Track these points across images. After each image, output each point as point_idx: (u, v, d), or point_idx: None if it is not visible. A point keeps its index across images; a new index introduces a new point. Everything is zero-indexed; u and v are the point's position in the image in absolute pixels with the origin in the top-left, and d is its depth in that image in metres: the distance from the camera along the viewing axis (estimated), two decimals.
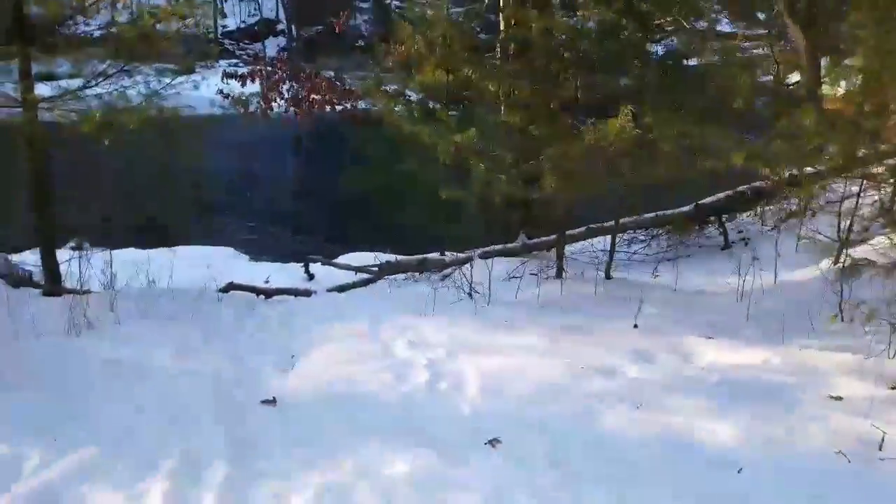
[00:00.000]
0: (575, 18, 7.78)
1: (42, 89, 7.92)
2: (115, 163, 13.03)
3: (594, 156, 6.49)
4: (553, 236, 9.48)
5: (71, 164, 11.98)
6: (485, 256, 9.07)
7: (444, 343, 5.41)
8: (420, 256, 9.44)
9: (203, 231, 15.33)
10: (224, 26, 38.24)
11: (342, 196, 15.32)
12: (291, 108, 10.79)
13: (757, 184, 9.73)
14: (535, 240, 9.25)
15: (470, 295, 7.44)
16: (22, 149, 7.94)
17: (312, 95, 10.61)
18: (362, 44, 37.39)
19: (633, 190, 7.86)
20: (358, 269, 10.05)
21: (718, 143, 6.38)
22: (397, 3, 37.83)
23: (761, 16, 11.82)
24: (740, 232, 10.14)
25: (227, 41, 35.86)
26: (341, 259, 13.56)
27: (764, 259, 8.90)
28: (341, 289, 9.03)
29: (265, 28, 38.00)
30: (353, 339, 5.81)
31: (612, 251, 7.87)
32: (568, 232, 9.51)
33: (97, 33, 9.12)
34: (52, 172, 8.80)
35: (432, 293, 7.36)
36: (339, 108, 10.71)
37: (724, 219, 9.92)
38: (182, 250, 13.07)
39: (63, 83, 8.19)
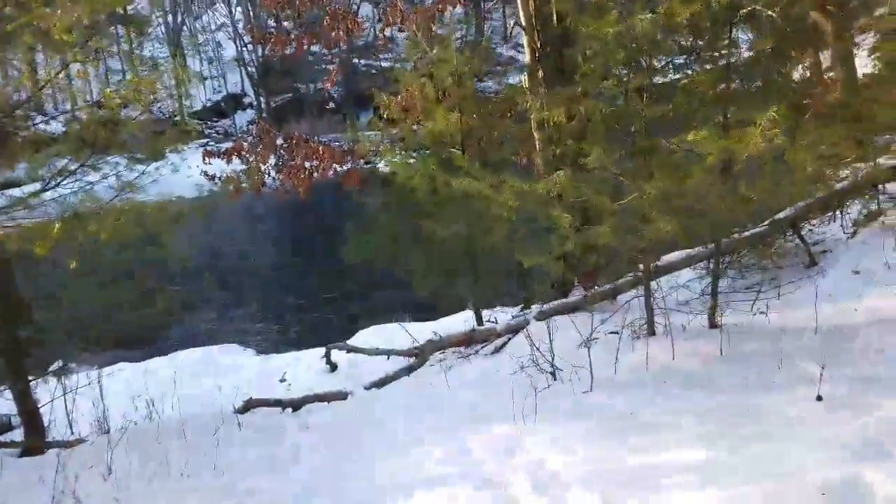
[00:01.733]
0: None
1: None
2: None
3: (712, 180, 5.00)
4: (612, 283, 7.94)
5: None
6: (540, 318, 7.49)
7: (583, 476, 3.70)
8: (466, 330, 7.81)
9: (201, 328, 13.62)
10: (188, 107, 36.95)
11: (345, 267, 13.70)
12: (286, 181, 9.23)
13: (839, 186, 8.29)
14: (598, 288, 7.67)
15: (553, 374, 5.82)
16: None
17: (307, 162, 9.06)
18: (333, 106, 36.29)
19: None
20: (392, 353, 8.41)
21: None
22: (365, 62, 36.87)
23: None
24: (815, 244, 8.65)
25: (194, 121, 34.51)
26: (361, 336, 11.90)
27: (866, 272, 7.46)
28: (381, 382, 7.37)
29: (232, 103, 36.74)
30: (449, 479, 4.11)
31: (714, 290, 6.28)
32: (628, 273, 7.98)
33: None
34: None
35: (508, 380, 5.74)
36: (340, 170, 9.18)
37: (801, 232, 8.43)
38: (182, 356, 11.32)
39: (17, 191, 6.65)
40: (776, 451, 3.49)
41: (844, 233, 8.55)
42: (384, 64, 35.61)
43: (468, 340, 7.71)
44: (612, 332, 6.62)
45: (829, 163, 7.59)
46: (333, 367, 9.57)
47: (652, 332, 6.22)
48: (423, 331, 11.37)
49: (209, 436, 6.29)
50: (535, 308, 7.80)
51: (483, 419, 5.06)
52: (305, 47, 8.92)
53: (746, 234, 7.92)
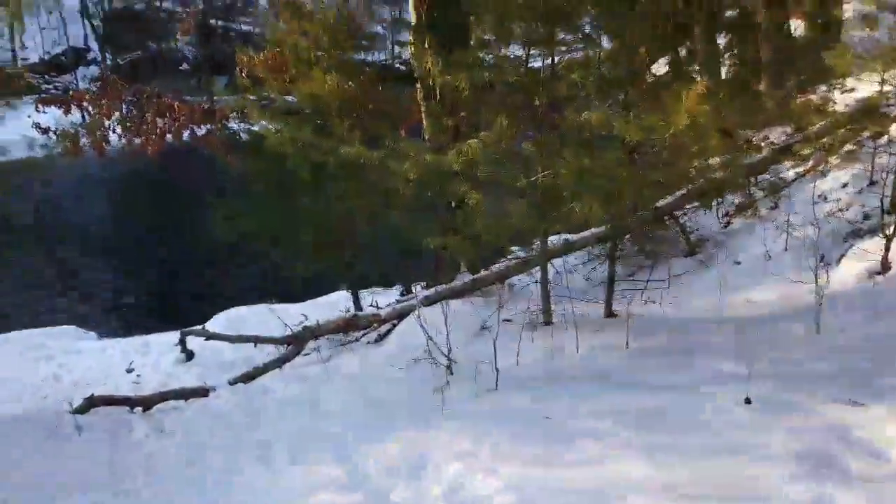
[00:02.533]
0: None
1: None
2: None
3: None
4: (501, 265, 7.43)
5: None
6: (427, 303, 6.84)
7: (506, 491, 3.11)
8: (346, 315, 6.99)
9: (32, 307, 11.72)
10: (24, 59, 32.64)
11: (203, 241, 12.29)
12: (134, 138, 7.88)
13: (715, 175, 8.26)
14: (485, 272, 7.12)
15: (450, 368, 5.19)
16: None
17: (159, 119, 7.78)
18: (187, 67, 33.44)
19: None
20: (260, 341, 7.42)
21: None
22: (222, 23, 34.25)
23: None
24: (691, 232, 8.64)
25: (28, 75, 30.45)
26: (221, 319, 10.68)
27: (748, 262, 7.46)
28: (249, 376, 6.41)
29: (74, 57, 32.80)
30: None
31: (612, 276, 5.88)
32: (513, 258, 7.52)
33: None
34: None
35: (400, 375, 5.05)
36: (200, 132, 7.96)
37: (682, 221, 8.36)
38: (11, 339, 9.62)
39: None
40: (732, 466, 3.05)
41: (719, 222, 8.59)
42: (244, 27, 33.39)
43: (348, 326, 6.90)
44: (506, 320, 6.09)
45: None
46: (190, 355, 8.38)
47: (549, 320, 5.76)
48: (293, 314, 10.35)
49: (37, 444, 5.10)
50: (420, 292, 7.14)
51: (377, 424, 4.33)
52: None
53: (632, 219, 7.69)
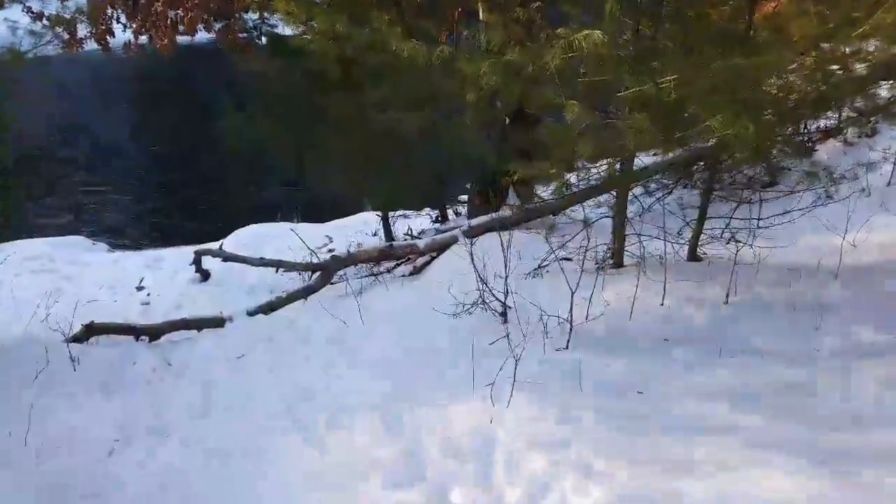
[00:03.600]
0: None
1: None
2: None
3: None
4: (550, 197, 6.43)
5: None
6: (470, 234, 5.91)
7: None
8: (380, 245, 6.09)
9: (41, 215, 10.94)
10: None
11: (221, 152, 11.28)
12: (141, 32, 6.81)
13: None
14: (538, 202, 6.14)
15: (504, 316, 4.31)
16: None
17: (170, 10, 6.69)
18: None
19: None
20: (284, 266, 6.58)
21: None
22: None
23: None
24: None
25: None
26: (239, 237, 9.86)
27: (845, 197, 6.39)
28: (271, 306, 5.58)
29: None
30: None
31: (703, 211, 4.88)
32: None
33: None
34: None
35: (444, 321, 4.19)
36: (216, 28, 6.87)
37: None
38: (11, 249, 8.86)
39: None
40: None
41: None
42: None
43: (382, 257, 6.03)
44: (565, 258, 5.17)
45: None
46: (205, 275, 7.61)
47: (620, 261, 4.82)
48: (315, 235, 9.54)
49: (26, 379, 4.36)
50: (461, 221, 6.20)
51: (426, 384, 3.50)
52: None
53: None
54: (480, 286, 4.44)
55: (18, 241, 9.23)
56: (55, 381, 4.49)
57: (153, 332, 5.24)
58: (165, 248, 10.23)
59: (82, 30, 6.36)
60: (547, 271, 5.00)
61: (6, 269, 8.00)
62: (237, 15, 6.77)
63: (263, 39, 6.86)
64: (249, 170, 12.05)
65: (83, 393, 4.31)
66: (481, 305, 4.42)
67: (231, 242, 9.67)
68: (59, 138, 13.84)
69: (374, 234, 9.59)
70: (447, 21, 7.02)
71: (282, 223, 10.41)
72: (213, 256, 7.23)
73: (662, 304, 4.14)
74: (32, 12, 6.13)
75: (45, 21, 6.08)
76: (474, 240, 5.79)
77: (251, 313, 5.46)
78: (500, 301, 4.33)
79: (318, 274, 6.01)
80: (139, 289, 7.74)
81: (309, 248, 7.55)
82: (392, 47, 4.68)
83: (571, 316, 3.83)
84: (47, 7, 6.54)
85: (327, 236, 9.80)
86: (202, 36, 12.08)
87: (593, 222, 5.14)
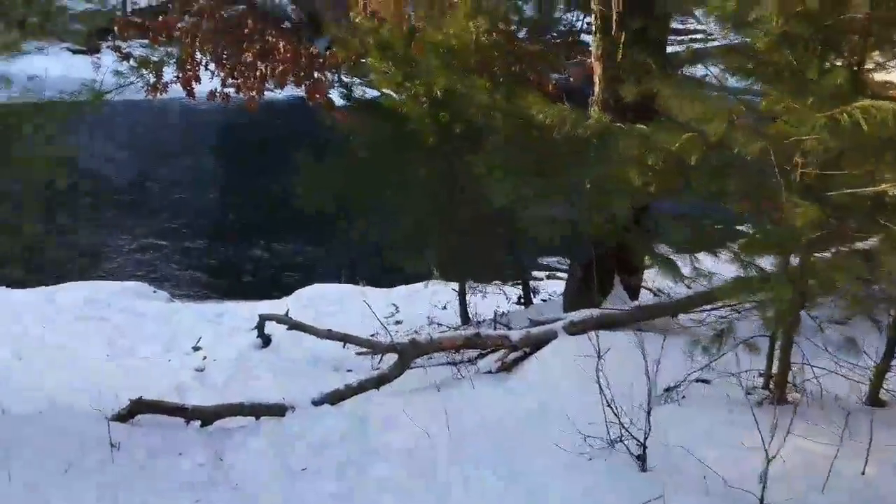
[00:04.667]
0: None
1: None
2: None
3: None
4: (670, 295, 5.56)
5: None
6: (572, 330, 5.04)
7: None
8: (467, 331, 5.27)
9: (101, 258, 10.54)
10: (134, 3, 32.10)
11: (290, 207, 10.77)
12: (228, 83, 6.33)
13: None
14: (656, 300, 5.25)
15: (643, 462, 3.39)
16: None
17: (260, 62, 6.21)
18: (289, 25, 32.25)
19: None
20: (353, 342, 5.82)
21: None
22: None
23: None
24: None
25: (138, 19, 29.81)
26: (302, 296, 9.23)
27: None
28: (338, 395, 4.78)
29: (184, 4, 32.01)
30: None
31: (891, 350, 3.88)
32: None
33: None
34: None
35: (557, 454, 3.30)
36: (305, 83, 6.35)
37: None
38: (66, 293, 8.37)
39: None
40: None
41: None
42: None
43: (467, 345, 5.20)
44: (701, 381, 4.24)
45: None
46: (267, 340, 6.92)
47: (782, 396, 3.83)
48: (379, 300, 8.81)
49: (55, 472, 3.63)
50: (552, 308, 5.36)
51: None
52: None
53: None
54: (604, 409, 3.54)
55: (78, 283, 8.79)
56: (90, 472, 3.76)
57: (205, 416, 4.50)
58: (227, 300, 9.67)
59: (168, 73, 5.89)
60: (683, 396, 4.08)
61: (60, 314, 7.48)
62: (329, 71, 6.24)
63: (352, 98, 6.29)
64: (315, 226, 11.54)
65: (121, 485, 3.55)
66: (608, 444, 3.51)
67: (293, 302, 9.02)
68: (131, 181, 13.66)
69: (444, 308, 8.80)
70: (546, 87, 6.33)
71: (346, 285, 9.76)
72: (279, 323, 6.53)
73: (864, 474, 3.15)
74: (121, 52, 5.70)
75: (131, 62, 5.64)
76: (569, 336, 5.00)
77: (316, 402, 4.68)
78: (636, 440, 3.41)
79: (390, 356, 5.21)
80: (195, 349, 7.09)
81: (381, 322, 6.81)
82: (517, 110, 3.99)
83: (765, 484, 2.86)
84: (136, 50, 6.13)
85: (393, 304, 9.06)
86: (283, 92, 11.83)
87: (748, 339, 4.17)
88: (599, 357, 3.59)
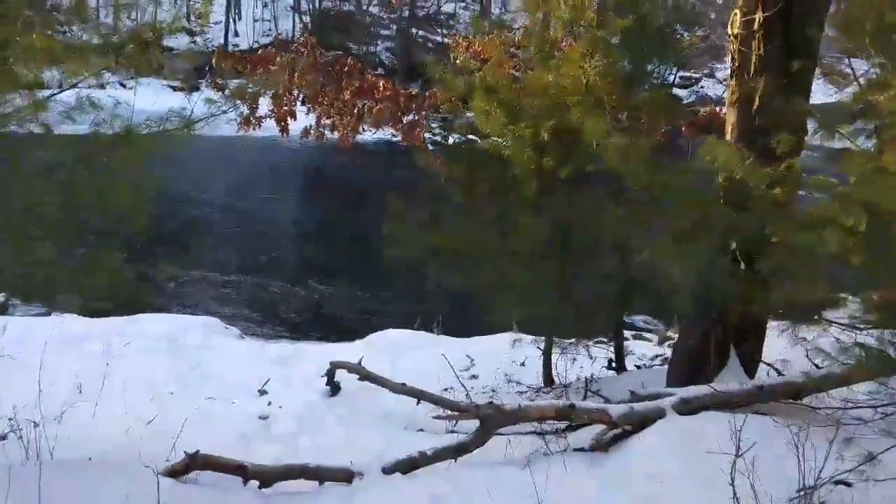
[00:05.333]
0: None
1: None
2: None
3: None
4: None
5: None
6: (682, 409, 4.36)
7: None
8: (560, 402, 4.64)
9: (178, 292, 10.47)
10: (235, 45, 33.70)
11: (372, 251, 10.40)
12: (324, 121, 6.06)
13: None
14: (783, 379, 4.50)
15: None
16: None
17: (357, 100, 5.92)
18: (381, 72, 33.08)
19: None
20: (428, 399, 5.30)
21: None
22: (422, 33, 33.60)
23: None
24: None
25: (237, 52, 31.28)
26: (374, 340, 8.80)
27: None
28: (412, 464, 4.24)
29: (280, 49, 33.43)
30: None
31: None
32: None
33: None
34: None
35: None
36: (402, 123, 6.02)
37: None
38: (137, 324, 8.21)
39: None
40: None
41: None
42: (444, 39, 32.45)
43: (560, 417, 4.57)
44: (840, 482, 3.50)
45: None
46: (336, 388, 6.49)
47: None
48: (454, 351, 8.25)
49: None
50: (667, 390, 4.67)
51: None
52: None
53: None
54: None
55: (150, 315, 8.64)
56: None
57: (266, 478, 4.03)
58: (299, 342, 9.36)
59: (264, 108, 5.68)
60: (822, 501, 3.34)
61: (129, 347, 7.26)
62: (428, 112, 5.90)
63: (451, 140, 5.90)
64: (394, 270, 11.20)
65: None
66: None
67: (365, 347, 8.60)
68: (215, 216, 13.78)
69: (523, 364, 8.17)
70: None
71: (421, 332, 9.29)
72: (350, 372, 6.09)
73: None
74: (217, 84, 5.54)
75: (226, 92, 5.46)
76: (678, 417, 4.31)
77: (387, 470, 4.14)
78: None
79: (468, 422, 4.63)
80: (262, 392, 6.72)
81: (458, 376, 6.28)
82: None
83: None
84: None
85: (469, 357, 8.50)
86: (373, 135, 11.66)
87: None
88: (738, 454, 2.92)
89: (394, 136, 22.93)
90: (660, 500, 3.50)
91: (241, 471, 3.99)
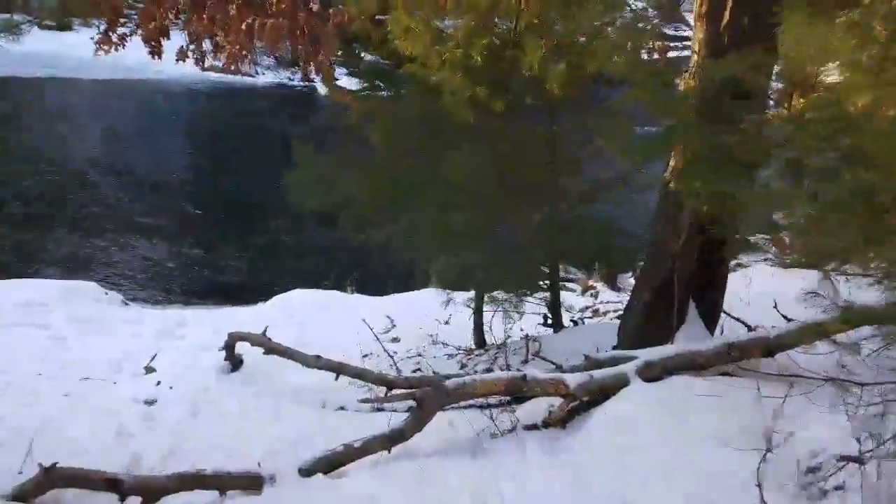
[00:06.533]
0: None
1: None
2: None
3: None
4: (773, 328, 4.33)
5: None
6: (647, 374, 3.78)
7: None
8: (512, 373, 3.90)
9: (46, 253, 8.96)
10: None
11: (278, 205, 9.24)
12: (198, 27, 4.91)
13: None
14: (753, 335, 3.99)
15: None
16: None
17: (247, 18, 4.81)
18: None
19: None
20: (351, 374, 4.47)
21: None
22: None
23: None
24: None
25: None
26: (283, 300, 7.86)
27: None
28: (335, 461, 3.42)
29: None
30: None
31: None
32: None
33: None
34: None
35: None
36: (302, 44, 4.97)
37: None
38: (7, 290, 6.89)
39: None
40: None
41: None
42: None
43: (510, 390, 3.87)
44: (846, 458, 2.99)
45: None
46: (237, 363, 5.53)
47: None
48: (372, 311, 7.51)
49: None
50: (627, 353, 4.06)
51: None
52: None
53: None
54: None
55: (13, 281, 7.29)
56: None
57: (149, 492, 3.09)
58: (191, 306, 8.24)
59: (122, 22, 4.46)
60: (835, 487, 2.81)
61: None
62: (333, 32, 4.85)
63: (363, 69, 4.94)
64: (298, 223, 10.15)
65: None
66: None
67: (270, 310, 7.66)
68: (90, 168, 12.03)
69: (447, 323, 7.50)
70: None
71: (332, 291, 8.40)
72: (253, 345, 5.14)
73: None
74: None
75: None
76: (644, 383, 3.73)
77: (305, 471, 3.31)
78: None
79: (412, 401, 3.85)
80: (147, 370, 5.66)
81: (385, 349, 5.51)
82: None
83: None
84: None
85: (388, 317, 7.73)
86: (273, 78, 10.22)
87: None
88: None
89: (290, 78, 21.14)
90: (646, 489, 2.89)
91: (114, 486, 3.03)
